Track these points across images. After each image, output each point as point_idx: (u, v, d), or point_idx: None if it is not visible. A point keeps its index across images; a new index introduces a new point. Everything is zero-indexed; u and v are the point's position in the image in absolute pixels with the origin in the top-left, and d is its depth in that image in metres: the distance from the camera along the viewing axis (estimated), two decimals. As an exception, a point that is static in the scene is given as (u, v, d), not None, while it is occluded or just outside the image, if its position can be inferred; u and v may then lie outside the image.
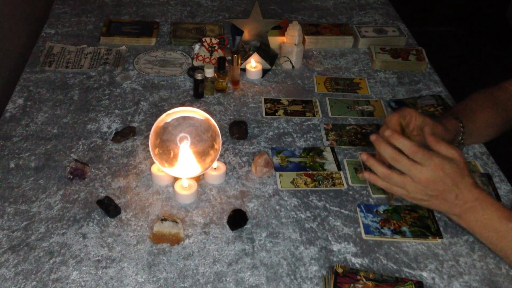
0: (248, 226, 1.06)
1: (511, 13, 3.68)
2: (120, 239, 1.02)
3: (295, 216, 1.09)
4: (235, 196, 1.13)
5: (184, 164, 1.11)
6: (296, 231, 1.05)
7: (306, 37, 1.65)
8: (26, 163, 1.18)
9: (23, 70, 1.49)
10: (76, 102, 1.38)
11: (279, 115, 1.37)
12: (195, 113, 1.12)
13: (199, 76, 1.38)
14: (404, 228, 1.06)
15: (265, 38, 1.60)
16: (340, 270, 0.95)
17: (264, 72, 1.52)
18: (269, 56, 1.56)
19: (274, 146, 1.27)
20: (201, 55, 1.53)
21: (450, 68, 2.87)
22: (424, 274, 0.98)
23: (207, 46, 1.52)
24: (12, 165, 1.18)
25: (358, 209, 1.10)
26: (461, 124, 1.12)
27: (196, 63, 1.54)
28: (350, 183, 1.17)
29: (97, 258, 0.98)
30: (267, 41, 1.60)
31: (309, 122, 1.35)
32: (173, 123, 1.11)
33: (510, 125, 1.22)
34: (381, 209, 1.10)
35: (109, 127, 1.30)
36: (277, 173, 1.19)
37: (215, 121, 1.12)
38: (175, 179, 1.13)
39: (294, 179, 1.17)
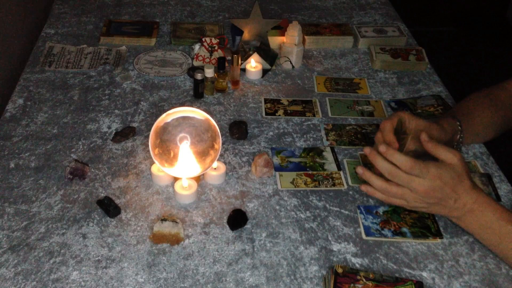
0: (248, 226, 1.06)
1: (511, 13, 3.68)
2: (120, 239, 1.02)
3: (295, 216, 1.09)
4: (235, 196, 1.13)
5: (184, 164, 1.11)
6: (296, 231, 1.05)
7: (306, 37, 1.65)
8: (26, 163, 1.18)
9: (23, 70, 1.49)
10: (76, 102, 1.38)
11: (279, 115, 1.37)
12: (195, 113, 1.12)
13: (199, 76, 1.38)
14: (405, 229, 1.06)
15: (265, 38, 1.60)
16: (340, 270, 0.95)
17: (264, 72, 1.52)
18: (269, 56, 1.56)
19: (274, 146, 1.27)
20: (201, 55, 1.53)
21: (450, 68, 2.87)
22: (424, 274, 0.98)
23: (207, 46, 1.52)
24: (12, 165, 1.18)
25: (358, 211, 1.10)
26: (458, 123, 1.12)
27: (196, 63, 1.54)
28: (350, 183, 1.17)
29: (97, 258, 0.98)
30: (267, 41, 1.60)
31: (309, 122, 1.35)
32: (173, 123, 1.11)
33: (510, 125, 1.22)
34: (380, 210, 1.10)
35: (109, 127, 1.30)
36: (277, 173, 1.19)
37: (215, 121, 1.12)
38: (175, 179, 1.13)
39: (294, 179, 1.17)
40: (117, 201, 1.09)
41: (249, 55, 1.51)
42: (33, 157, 1.20)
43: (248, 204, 1.11)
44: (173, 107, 1.20)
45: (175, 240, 1.02)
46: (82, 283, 0.94)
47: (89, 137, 1.27)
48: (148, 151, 1.18)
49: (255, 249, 1.01)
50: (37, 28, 1.73)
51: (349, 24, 1.76)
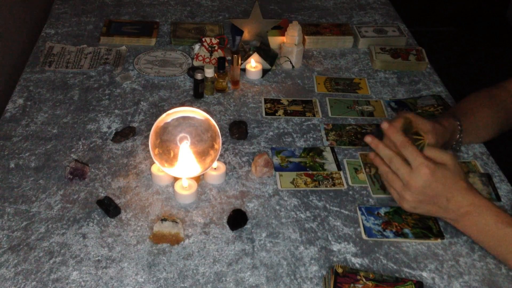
0: (248, 226, 1.06)
1: (511, 13, 3.68)
2: (120, 239, 1.02)
3: (295, 216, 1.09)
4: (235, 196, 1.13)
5: (184, 164, 1.11)
6: (296, 231, 1.05)
7: (306, 37, 1.65)
8: (26, 163, 1.18)
9: (23, 70, 1.49)
10: (76, 102, 1.38)
11: (279, 115, 1.37)
12: (195, 113, 1.12)
13: (199, 76, 1.38)
14: (406, 230, 1.06)
15: (265, 38, 1.60)
16: (340, 270, 0.95)
17: (264, 72, 1.52)
18: (269, 56, 1.56)
19: (274, 146, 1.27)
20: (201, 55, 1.53)
21: (450, 68, 2.87)
22: (424, 274, 0.98)
23: (207, 46, 1.52)
24: (12, 165, 1.18)
25: (359, 212, 1.10)
26: (458, 123, 1.12)
27: (196, 63, 1.54)
28: (350, 183, 1.17)
29: (97, 258, 0.98)
30: (267, 41, 1.60)
31: (309, 122, 1.35)
32: (173, 123, 1.11)
33: (509, 124, 1.22)
34: (382, 211, 1.10)
35: (109, 127, 1.30)
36: (277, 173, 1.19)
37: (215, 121, 1.12)
38: (175, 179, 1.13)
39: (294, 179, 1.17)
40: (117, 201, 1.09)
41: (249, 55, 1.51)
42: (33, 157, 1.20)
43: (248, 204, 1.11)
44: (173, 107, 1.20)
45: (175, 240, 1.02)
46: (82, 283, 0.94)
47: (89, 137, 1.27)
48: (148, 151, 1.18)
49: (255, 249, 1.01)
50: (37, 28, 1.73)
51: (349, 24, 1.76)
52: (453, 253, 1.02)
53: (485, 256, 1.01)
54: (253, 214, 1.09)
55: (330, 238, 1.04)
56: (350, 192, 1.15)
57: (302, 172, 1.19)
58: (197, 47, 1.56)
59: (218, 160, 1.15)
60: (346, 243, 1.03)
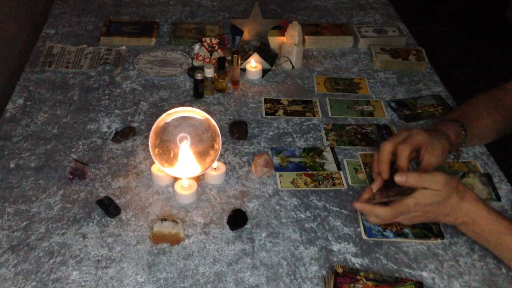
0: (248, 226, 1.06)
1: (511, 13, 3.68)
2: (120, 239, 1.02)
3: (295, 216, 1.09)
4: (235, 196, 1.13)
5: (184, 164, 1.11)
6: (296, 231, 1.05)
7: (306, 37, 1.65)
8: (26, 163, 1.18)
9: (23, 70, 1.49)
10: (76, 102, 1.38)
11: (279, 115, 1.37)
12: (195, 113, 1.12)
13: (199, 76, 1.38)
14: (406, 230, 1.06)
15: (265, 38, 1.60)
16: (340, 270, 0.95)
17: (264, 72, 1.52)
18: (269, 56, 1.56)
19: (274, 146, 1.27)
20: (201, 55, 1.53)
21: (450, 68, 2.87)
22: (424, 274, 0.98)
23: (207, 46, 1.52)
24: (12, 165, 1.18)
25: (359, 212, 1.09)
26: (463, 131, 1.13)
27: (196, 63, 1.54)
28: (350, 183, 1.17)
29: (97, 258, 0.98)
30: (267, 41, 1.60)
31: (309, 122, 1.35)
32: (173, 123, 1.11)
33: (506, 131, 1.22)
34: (381, 209, 1.10)
35: (109, 127, 1.30)
36: (277, 173, 1.19)
37: (215, 121, 1.12)
38: (175, 179, 1.13)
39: (294, 179, 1.17)
40: (117, 201, 1.09)
41: (249, 55, 1.51)
42: (33, 157, 1.20)
43: (248, 204, 1.11)
44: (173, 107, 1.20)
45: (175, 240, 1.02)
46: (82, 283, 0.94)
47: (89, 137, 1.27)
48: (148, 151, 1.18)
49: (255, 249, 1.01)
50: (37, 28, 1.73)
51: (349, 24, 1.76)
52: (453, 253, 1.02)
53: (485, 256, 1.01)
54: (253, 214, 1.09)
55: (330, 238, 1.04)
56: (350, 192, 1.15)
57: (302, 172, 1.19)
58: (197, 47, 1.56)
59: (218, 160, 1.15)
60: (346, 243, 1.03)
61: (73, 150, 1.23)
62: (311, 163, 1.22)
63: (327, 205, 1.12)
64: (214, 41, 1.52)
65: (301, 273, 0.97)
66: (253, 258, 1.00)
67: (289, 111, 1.38)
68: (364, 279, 0.94)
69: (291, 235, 1.05)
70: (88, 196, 1.11)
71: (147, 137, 1.25)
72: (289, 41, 1.54)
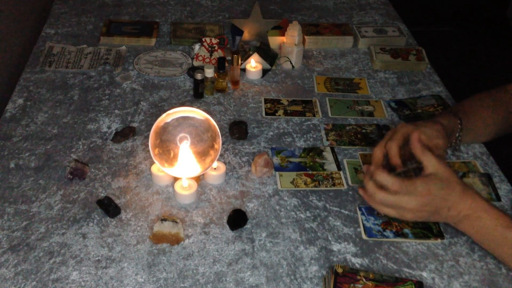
0: (248, 226, 1.06)
1: (511, 13, 3.68)
2: (120, 239, 1.02)
3: (295, 216, 1.09)
4: (235, 196, 1.13)
5: (184, 164, 1.11)
6: (296, 231, 1.05)
7: (306, 37, 1.65)
8: (26, 163, 1.18)
9: (23, 70, 1.49)
10: (76, 102, 1.38)
11: (279, 115, 1.37)
12: (195, 113, 1.12)
13: (199, 76, 1.38)
14: (406, 230, 1.06)
15: (265, 38, 1.60)
16: (340, 270, 0.95)
17: (264, 72, 1.52)
18: (269, 56, 1.56)
19: (274, 146, 1.27)
20: (201, 55, 1.53)
21: (450, 68, 2.87)
22: (424, 274, 0.98)
23: (207, 46, 1.52)
24: (12, 165, 1.18)
25: (359, 212, 1.09)
26: (459, 121, 1.12)
27: (196, 63, 1.54)
28: (350, 183, 1.17)
29: (97, 258, 0.98)
30: (267, 41, 1.60)
31: (309, 122, 1.35)
32: (173, 123, 1.11)
33: (510, 128, 1.22)
34: (381, 210, 1.10)
35: (109, 127, 1.30)
36: (277, 173, 1.19)
37: (215, 121, 1.12)
38: (175, 179, 1.13)
39: (294, 179, 1.17)
40: (117, 201, 1.09)
41: (249, 55, 1.51)
42: (33, 157, 1.20)
43: (248, 204, 1.11)
44: (173, 107, 1.20)
45: (175, 240, 1.02)
46: (82, 283, 0.94)
47: (89, 137, 1.27)
48: (148, 151, 1.18)
49: (255, 249, 1.01)
50: (37, 28, 1.73)
51: (349, 24, 1.76)
52: (453, 253, 1.02)
53: (485, 256, 1.01)
54: (253, 214, 1.09)
55: (330, 238, 1.04)
56: (350, 192, 1.15)
57: (302, 172, 1.19)
58: (197, 47, 1.56)
59: (218, 160, 1.15)
60: (346, 243, 1.03)
61: (73, 150, 1.23)
62: (311, 163, 1.22)
63: (327, 205, 1.12)
64: (214, 41, 1.52)
65: (301, 273, 0.97)
66: (253, 258, 1.00)
67: (289, 111, 1.38)
68: (364, 279, 0.94)
69: (291, 235, 1.05)
70: (88, 196, 1.11)
71: (147, 137, 1.25)
72: (289, 41, 1.54)
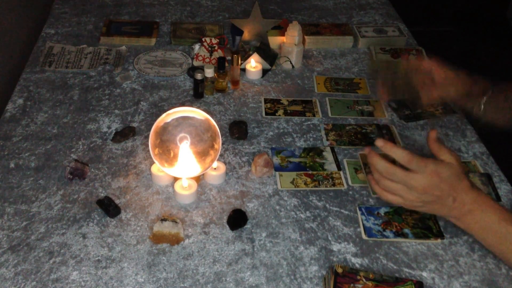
0: (248, 226, 1.06)
1: (511, 13, 3.68)
2: (120, 239, 1.02)
3: (295, 216, 1.09)
4: (235, 196, 1.13)
5: (184, 164, 1.11)
6: (296, 231, 1.05)
7: (306, 37, 1.65)
8: (26, 163, 1.18)
9: (23, 70, 1.49)
10: (76, 102, 1.38)
11: (279, 115, 1.37)
12: (195, 113, 1.12)
13: (199, 76, 1.38)
14: (406, 230, 1.06)
15: (265, 38, 1.60)
16: (340, 270, 0.95)
17: (264, 72, 1.52)
18: (269, 56, 1.56)
19: (274, 146, 1.27)
20: (201, 55, 1.53)
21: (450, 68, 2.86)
22: (424, 274, 0.98)
23: (207, 46, 1.52)
24: (12, 165, 1.18)
25: (359, 212, 1.10)
26: (491, 89, 1.12)
27: (196, 63, 1.54)
28: (350, 183, 1.17)
29: (97, 258, 0.98)
30: (267, 41, 1.60)
31: (309, 122, 1.35)
32: (173, 123, 1.11)
33: None
34: (382, 211, 1.10)
35: (109, 127, 1.30)
36: (277, 173, 1.19)
37: (215, 121, 1.12)
38: (175, 179, 1.13)
39: (294, 179, 1.17)
40: (117, 201, 1.09)
41: (249, 55, 1.51)
42: (33, 157, 1.20)
43: (248, 204, 1.11)
44: (173, 107, 1.20)
45: (175, 240, 1.02)
46: (82, 283, 0.94)
47: (89, 137, 1.27)
48: (148, 151, 1.18)
49: (255, 249, 1.01)
50: (37, 28, 1.73)
51: (349, 24, 1.76)
52: (453, 253, 1.02)
53: (485, 256, 1.01)
54: (253, 214, 1.09)
55: (330, 238, 1.04)
56: (350, 192, 1.15)
57: (302, 172, 1.19)
58: (197, 47, 1.56)
59: (218, 160, 1.15)
60: (346, 243, 1.03)
61: (73, 150, 1.23)
62: (311, 163, 1.22)
63: (327, 205, 1.12)
64: (214, 41, 1.52)
65: (301, 273, 0.97)
66: (253, 258, 1.00)
67: (289, 111, 1.38)
68: (364, 279, 0.94)
69: (291, 235, 1.05)
70: (88, 196, 1.11)
71: (147, 137, 1.25)
72: (289, 41, 1.54)
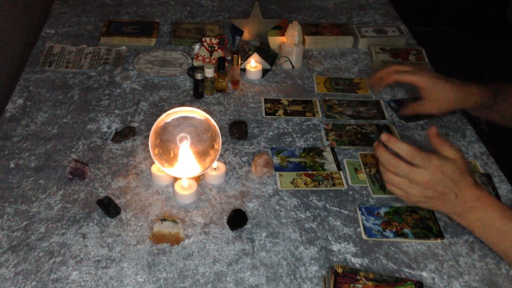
0: (248, 226, 1.06)
1: (511, 13, 3.68)
2: (120, 239, 1.02)
3: (295, 216, 1.09)
4: (235, 196, 1.13)
5: (184, 164, 1.11)
6: (296, 231, 1.05)
7: (306, 37, 1.65)
8: (26, 163, 1.18)
9: (23, 70, 1.49)
10: (76, 102, 1.38)
11: (279, 115, 1.37)
12: (195, 113, 1.12)
13: (199, 76, 1.38)
14: (406, 230, 1.06)
15: (265, 38, 1.60)
16: (340, 270, 0.95)
17: (264, 72, 1.52)
18: (269, 56, 1.56)
19: (274, 146, 1.27)
20: (201, 55, 1.53)
21: (450, 68, 2.87)
22: (424, 274, 0.98)
23: (207, 46, 1.52)
24: (12, 165, 1.18)
25: (359, 212, 1.10)
26: (493, 91, 1.16)
27: (196, 63, 1.54)
28: (350, 183, 1.17)
29: (97, 258, 0.98)
30: (267, 41, 1.60)
31: (309, 122, 1.35)
32: (173, 123, 1.11)
33: None
34: (382, 211, 1.10)
35: (109, 127, 1.30)
36: (277, 173, 1.19)
37: (215, 121, 1.12)
38: (175, 179, 1.13)
39: (294, 179, 1.17)
40: (117, 201, 1.09)
41: (249, 55, 1.51)
42: (33, 157, 1.20)
43: (248, 204, 1.11)
44: (173, 107, 1.20)
45: (175, 240, 1.02)
46: (82, 283, 0.94)
47: (89, 137, 1.27)
48: (148, 151, 1.18)
49: (255, 249, 1.01)
50: (37, 28, 1.73)
51: (349, 24, 1.76)
52: (453, 253, 1.02)
53: (485, 256, 1.01)
54: (253, 214, 1.09)
55: (330, 238, 1.04)
56: (350, 192, 1.15)
57: (302, 172, 1.19)
58: (197, 47, 1.56)
59: (218, 160, 1.15)
60: (346, 243, 1.03)
61: (73, 150, 1.23)
62: (311, 163, 1.22)
63: (327, 205, 1.12)
64: (214, 41, 1.52)
65: (301, 273, 0.97)
66: (253, 258, 1.00)
67: (289, 111, 1.38)
68: (364, 279, 0.94)
69: (291, 235, 1.05)
70: (88, 196, 1.11)
71: (147, 137, 1.26)
72: (289, 41, 1.54)
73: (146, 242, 1.02)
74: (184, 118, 1.11)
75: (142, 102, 1.39)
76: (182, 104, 1.39)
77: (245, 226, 1.06)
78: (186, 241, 1.02)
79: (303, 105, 1.41)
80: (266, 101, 1.42)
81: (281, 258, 1.00)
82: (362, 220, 1.08)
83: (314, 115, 1.37)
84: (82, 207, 1.09)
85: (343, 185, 1.16)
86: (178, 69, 1.52)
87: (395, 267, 0.99)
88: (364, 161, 1.22)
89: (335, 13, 1.86)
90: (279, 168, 1.20)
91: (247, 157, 1.23)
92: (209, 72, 1.40)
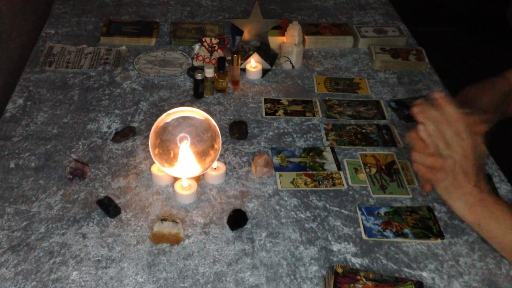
0: (248, 226, 1.06)
1: (511, 13, 3.68)
2: (120, 239, 1.02)
3: (295, 216, 1.09)
4: (235, 196, 1.13)
5: (184, 164, 1.11)
6: (296, 231, 1.05)
7: (306, 37, 1.65)
8: (26, 163, 1.18)
9: (23, 70, 1.49)
10: (76, 102, 1.38)
11: (279, 115, 1.37)
12: (195, 113, 1.12)
13: (199, 76, 1.38)
14: (406, 230, 1.06)
15: (265, 38, 1.60)
16: (340, 270, 0.95)
17: (264, 72, 1.52)
18: (269, 56, 1.56)
19: (274, 146, 1.27)
20: (201, 55, 1.53)
21: (450, 68, 2.87)
22: (424, 274, 0.98)
23: (207, 46, 1.52)
24: (12, 165, 1.18)
25: (359, 212, 1.10)
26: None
27: (196, 63, 1.54)
28: (350, 183, 1.17)
29: (97, 258, 0.98)
30: (267, 41, 1.60)
31: (309, 122, 1.35)
32: (173, 123, 1.11)
33: (506, 114, 1.21)
34: (382, 211, 1.10)
35: (109, 127, 1.30)
36: (277, 173, 1.19)
37: (215, 121, 1.12)
38: (175, 179, 1.13)
39: (294, 179, 1.17)
40: (117, 201, 1.09)
41: (249, 55, 1.51)
42: (33, 157, 1.20)
43: (248, 204, 1.11)
44: (173, 107, 1.20)
45: (175, 240, 1.02)
46: (82, 283, 0.94)
47: (89, 137, 1.27)
48: (148, 151, 1.18)
49: (255, 249, 1.01)
50: (37, 28, 1.73)
51: (349, 24, 1.76)
52: (453, 253, 1.02)
53: (485, 256, 1.01)
54: (253, 214, 1.09)
55: (330, 238, 1.04)
56: (350, 192, 1.15)
57: (302, 172, 1.19)
58: (197, 47, 1.56)
59: (218, 160, 1.15)
60: (346, 243, 1.03)
61: (73, 150, 1.23)
62: (311, 163, 1.22)
63: (327, 205, 1.12)
64: (214, 41, 1.52)
65: (301, 273, 0.97)
66: (253, 258, 1.00)
67: (289, 111, 1.38)
68: (364, 279, 0.94)
69: (291, 235, 1.05)
70: (88, 196, 1.11)
71: (147, 137, 1.25)
72: (289, 41, 1.54)
73: (146, 242, 1.02)
74: (184, 118, 1.11)
75: (142, 102, 1.39)
76: (182, 104, 1.39)
77: (245, 226, 1.06)
78: (186, 241, 1.02)
79: (303, 105, 1.41)
80: (266, 101, 1.42)
81: (281, 258, 1.00)
82: (362, 220, 1.08)
83: (314, 115, 1.37)
84: (82, 207, 1.09)
85: (343, 185, 1.16)
86: (178, 69, 1.52)
87: (395, 267, 0.99)
88: (364, 161, 1.22)
89: (335, 13, 1.86)
90: (279, 168, 1.20)
91: (247, 157, 1.23)
92: (209, 72, 1.40)
